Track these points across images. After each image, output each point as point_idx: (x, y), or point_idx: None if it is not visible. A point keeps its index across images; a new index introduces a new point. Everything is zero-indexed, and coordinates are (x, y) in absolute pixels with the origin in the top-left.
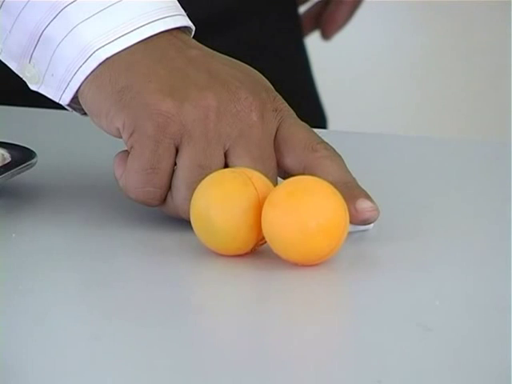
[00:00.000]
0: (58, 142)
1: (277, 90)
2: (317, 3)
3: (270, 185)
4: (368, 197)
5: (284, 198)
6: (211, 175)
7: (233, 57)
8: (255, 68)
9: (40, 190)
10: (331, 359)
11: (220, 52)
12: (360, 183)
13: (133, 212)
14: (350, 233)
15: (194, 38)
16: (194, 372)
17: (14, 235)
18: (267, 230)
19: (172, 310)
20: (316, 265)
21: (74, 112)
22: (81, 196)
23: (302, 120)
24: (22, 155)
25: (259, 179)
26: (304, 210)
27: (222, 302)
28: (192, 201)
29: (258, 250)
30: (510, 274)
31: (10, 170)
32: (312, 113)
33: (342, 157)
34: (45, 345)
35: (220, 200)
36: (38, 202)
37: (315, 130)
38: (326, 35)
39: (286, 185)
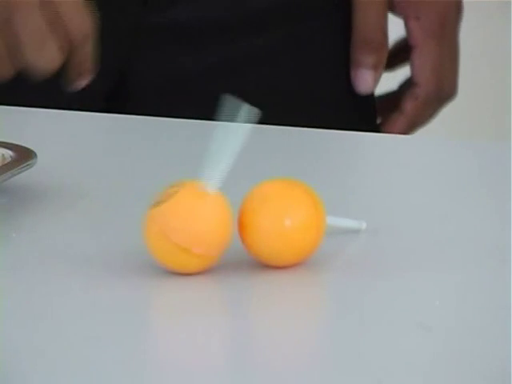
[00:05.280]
0: (58, 142)
1: (314, 94)
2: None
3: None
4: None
5: (257, 203)
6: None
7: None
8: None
9: (40, 190)
10: (331, 359)
11: (261, 50)
12: (360, 183)
13: (133, 212)
14: (344, 232)
15: (237, 36)
16: (194, 370)
17: (14, 235)
18: (246, 238)
19: (158, 313)
20: (296, 265)
21: None
22: (81, 196)
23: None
24: (22, 155)
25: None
26: (277, 210)
27: (220, 303)
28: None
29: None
30: (510, 274)
31: (10, 169)
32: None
33: (342, 157)
34: (44, 344)
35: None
36: (38, 202)
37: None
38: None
39: (256, 191)
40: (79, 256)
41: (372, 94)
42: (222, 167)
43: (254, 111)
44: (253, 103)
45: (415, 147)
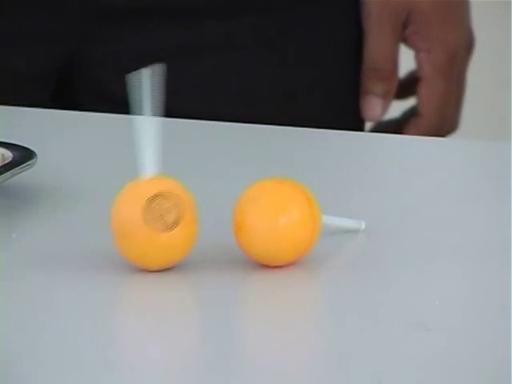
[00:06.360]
0: (58, 141)
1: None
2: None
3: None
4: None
5: (251, 202)
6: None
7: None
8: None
9: (40, 190)
10: (330, 360)
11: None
12: (359, 183)
13: None
14: (343, 232)
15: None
16: (187, 371)
17: (14, 235)
18: (241, 237)
19: (152, 313)
20: (294, 265)
21: None
22: (81, 196)
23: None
24: (22, 155)
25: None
26: (271, 209)
27: (215, 302)
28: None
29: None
30: (510, 274)
31: (10, 169)
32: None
33: (341, 156)
34: (44, 345)
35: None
36: (38, 202)
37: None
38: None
39: (250, 191)
40: (80, 256)
41: (355, 96)
42: (151, 151)
43: (157, 71)
44: (209, 90)
45: (415, 147)
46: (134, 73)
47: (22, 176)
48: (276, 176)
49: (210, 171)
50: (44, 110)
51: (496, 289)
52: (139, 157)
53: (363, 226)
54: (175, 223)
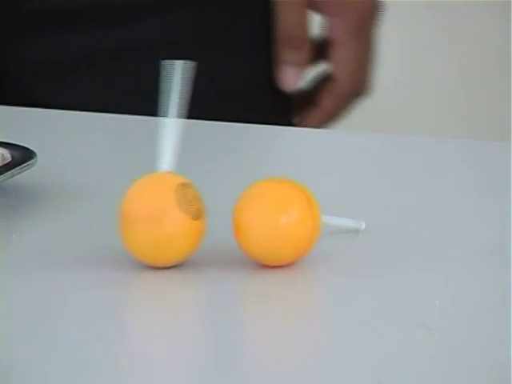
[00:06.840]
0: (58, 141)
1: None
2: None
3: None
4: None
5: (251, 202)
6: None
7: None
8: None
9: (40, 190)
10: (331, 359)
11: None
12: (359, 183)
13: None
14: (343, 232)
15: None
16: (191, 372)
17: (14, 235)
18: (241, 237)
19: (152, 312)
20: (293, 265)
21: None
22: (81, 196)
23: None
24: (22, 155)
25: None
26: (271, 208)
27: (214, 302)
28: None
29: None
30: (510, 273)
31: (10, 169)
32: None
33: (341, 156)
34: (44, 346)
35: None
36: (38, 202)
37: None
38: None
39: (250, 190)
40: (80, 256)
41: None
42: (169, 149)
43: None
44: (141, 90)
45: (415, 147)
46: (167, 62)
47: (22, 176)
48: (276, 176)
49: (209, 171)
50: (44, 110)
51: (496, 289)
52: (158, 154)
53: (363, 226)
54: (200, 214)
